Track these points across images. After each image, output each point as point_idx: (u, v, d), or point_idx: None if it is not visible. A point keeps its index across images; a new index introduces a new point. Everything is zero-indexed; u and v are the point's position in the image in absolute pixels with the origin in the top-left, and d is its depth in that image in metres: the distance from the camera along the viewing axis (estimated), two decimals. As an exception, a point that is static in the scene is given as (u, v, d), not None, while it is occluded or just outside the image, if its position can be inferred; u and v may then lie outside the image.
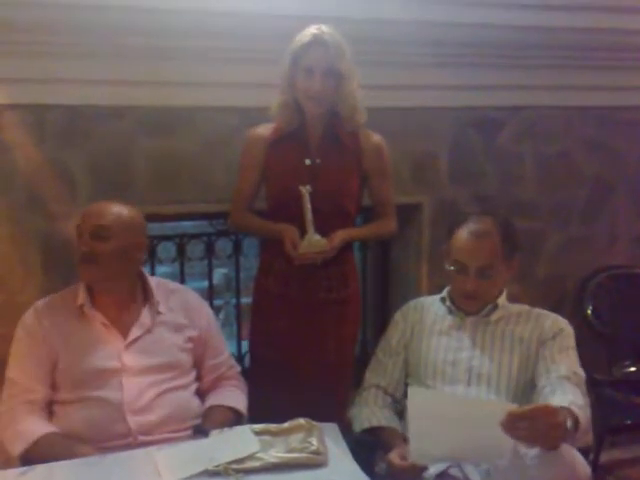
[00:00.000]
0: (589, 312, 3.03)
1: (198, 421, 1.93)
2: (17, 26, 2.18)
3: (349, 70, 2.10)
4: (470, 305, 2.03)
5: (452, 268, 1.99)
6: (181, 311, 2.03)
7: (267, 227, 2.22)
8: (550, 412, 1.59)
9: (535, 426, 1.55)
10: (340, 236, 2.14)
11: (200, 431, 1.85)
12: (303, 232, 2.12)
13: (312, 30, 2.09)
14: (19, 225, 2.35)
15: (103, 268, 1.88)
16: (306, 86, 2.10)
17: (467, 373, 1.98)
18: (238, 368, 2.15)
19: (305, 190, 2.09)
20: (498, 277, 1.99)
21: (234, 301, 3.02)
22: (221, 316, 3.72)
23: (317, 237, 2.11)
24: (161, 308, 1.99)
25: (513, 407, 1.60)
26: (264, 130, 2.23)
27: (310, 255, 2.11)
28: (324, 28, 2.09)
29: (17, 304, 2.16)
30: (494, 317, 2.02)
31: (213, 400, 2.01)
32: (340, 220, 2.21)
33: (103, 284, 1.92)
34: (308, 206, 2.10)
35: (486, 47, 2.70)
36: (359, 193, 2.25)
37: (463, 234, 1.98)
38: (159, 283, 2.06)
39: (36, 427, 1.81)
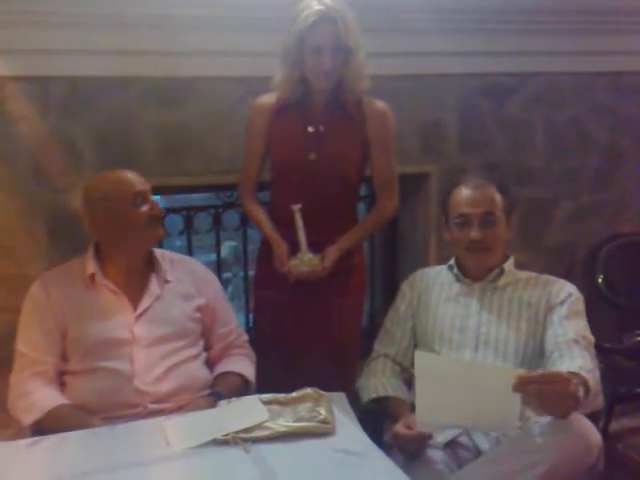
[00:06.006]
0: (600, 280, 3.01)
1: (207, 392, 1.93)
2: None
3: (356, 42, 2.06)
4: (478, 260, 2.03)
5: (457, 222, 2.01)
6: (188, 280, 2.03)
7: (264, 229, 2.21)
8: (561, 380, 1.59)
9: (545, 391, 1.55)
10: (332, 255, 2.12)
11: (215, 395, 1.87)
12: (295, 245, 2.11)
13: (317, 6, 2.01)
14: (26, 198, 2.34)
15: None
16: (315, 64, 2.05)
17: (475, 339, 1.98)
18: (246, 337, 2.16)
19: (297, 208, 2.07)
20: (500, 228, 2.00)
21: (242, 274, 3.01)
22: (229, 289, 3.72)
23: (309, 255, 2.10)
24: (169, 277, 1.99)
25: (522, 372, 1.60)
26: (268, 99, 2.20)
27: (303, 273, 2.10)
28: (327, 0, 2.02)
29: (25, 276, 2.16)
30: (501, 282, 2.02)
31: (222, 367, 2.02)
32: (342, 189, 2.19)
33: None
34: (300, 224, 2.08)
35: (495, 13, 2.66)
36: (362, 162, 2.22)
37: (462, 190, 2.03)
38: (163, 254, 2.06)
39: (47, 398, 1.82)
